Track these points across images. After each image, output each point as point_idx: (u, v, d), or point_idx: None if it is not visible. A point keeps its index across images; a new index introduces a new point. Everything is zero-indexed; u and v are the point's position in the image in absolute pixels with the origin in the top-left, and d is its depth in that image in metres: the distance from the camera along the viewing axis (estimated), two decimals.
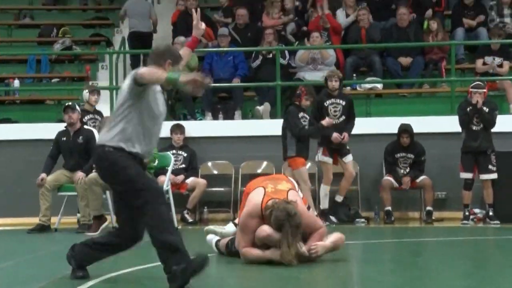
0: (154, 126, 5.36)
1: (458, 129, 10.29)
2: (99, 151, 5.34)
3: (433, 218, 10.47)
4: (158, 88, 5.38)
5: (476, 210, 10.57)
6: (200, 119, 12.20)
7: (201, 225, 10.16)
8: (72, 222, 10.16)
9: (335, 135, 10.06)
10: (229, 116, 12.22)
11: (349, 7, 13.37)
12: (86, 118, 10.54)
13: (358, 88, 12.43)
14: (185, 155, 11.05)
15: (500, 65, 12.24)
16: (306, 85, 10.66)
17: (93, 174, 9.30)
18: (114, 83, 12.42)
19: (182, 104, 12.46)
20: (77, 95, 12.09)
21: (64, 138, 9.87)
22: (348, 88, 12.21)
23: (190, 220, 10.74)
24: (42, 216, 9.62)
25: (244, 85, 12.50)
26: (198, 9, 6.01)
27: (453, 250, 7.69)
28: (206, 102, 12.19)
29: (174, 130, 11.09)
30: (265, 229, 6.15)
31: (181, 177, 10.80)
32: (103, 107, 11.33)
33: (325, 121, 10.07)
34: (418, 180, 10.61)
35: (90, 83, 12.99)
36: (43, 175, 9.65)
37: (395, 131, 10.69)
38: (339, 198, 10.45)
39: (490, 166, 10.12)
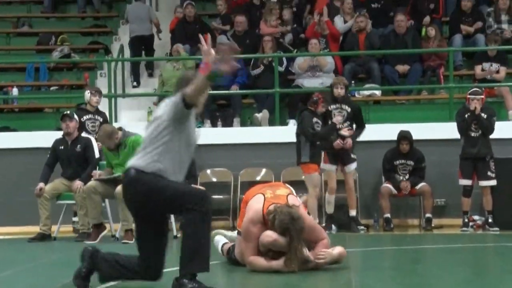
0: (189, 158, 5.18)
1: (457, 135, 10.28)
2: (132, 175, 5.07)
3: (433, 225, 10.45)
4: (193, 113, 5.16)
5: (476, 217, 10.56)
6: (199, 127, 12.17)
7: None
8: (71, 231, 10.14)
9: (337, 141, 10.08)
10: (227, 123, 12.22)
11: (346, 14, 13.38)
12: (85, 117, 10.54)
13: (356, 95, 12.43)
14: None
15: (497, 71, 12.26)
16: (322, 91, 10.68)
17: (92, 183, 9.30)
18: (112, 91, 12.43)
19: None
20: (76, 103, 12.07)
21: (62, 147, 9.82)
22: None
23: None
24: (42, 225, 9.60)
25: (243, 92, 12.51)
26: (209, 34, 5.92)
27: (452, 257, 7.67)
28: (205, 109, 12.18)
29: None
30: (270, 235, 6.10)
31: None
32: None
33: (336, 119, 10.08)
34: (417, 187, 10.59)
35: None
36: (41, 184, 9.62)
37: (394, 138, 10.68)
38: (353, 212, 10.39)
39: (489, 173, 10.11)
